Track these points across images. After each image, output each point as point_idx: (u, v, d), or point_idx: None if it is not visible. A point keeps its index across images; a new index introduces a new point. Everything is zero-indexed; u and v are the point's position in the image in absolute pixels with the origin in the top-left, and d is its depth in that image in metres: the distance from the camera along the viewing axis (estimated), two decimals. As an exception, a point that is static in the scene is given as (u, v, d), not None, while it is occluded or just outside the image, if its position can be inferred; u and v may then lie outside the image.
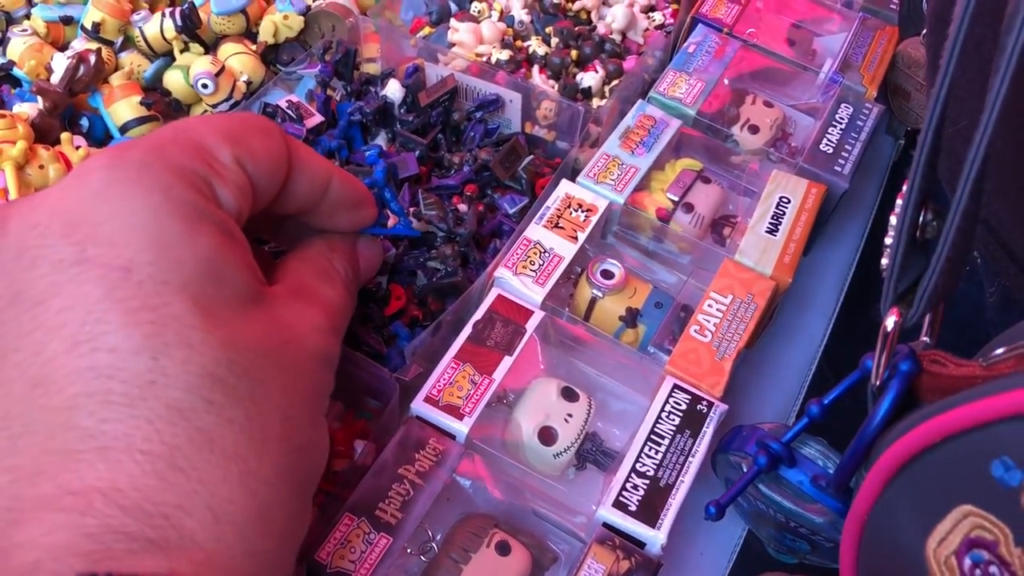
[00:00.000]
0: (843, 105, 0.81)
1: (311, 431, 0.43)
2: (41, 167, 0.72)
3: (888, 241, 0.44)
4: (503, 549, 0.57)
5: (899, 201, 0.42)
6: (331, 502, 0.58)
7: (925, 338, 0.45)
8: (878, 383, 0.44)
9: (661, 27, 0.90)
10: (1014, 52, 0.33)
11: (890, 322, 0.43)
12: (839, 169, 0.76)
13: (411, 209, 0.70)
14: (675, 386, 0.63)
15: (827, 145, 0.78)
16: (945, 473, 0.37)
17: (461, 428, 0.60)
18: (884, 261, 0.44)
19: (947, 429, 0.36)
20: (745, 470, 0.57)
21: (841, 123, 0.79)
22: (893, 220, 0.43)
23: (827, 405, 0.52)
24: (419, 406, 0.61)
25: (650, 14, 0.90)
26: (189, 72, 0.80)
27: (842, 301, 0.80)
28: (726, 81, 0.84)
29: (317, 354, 0.46)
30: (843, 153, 0.77)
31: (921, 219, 0.42)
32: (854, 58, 0.85)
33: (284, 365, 0.41)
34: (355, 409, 0.66)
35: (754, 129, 0.80)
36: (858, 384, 0.49)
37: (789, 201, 0.73)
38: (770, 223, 0.72)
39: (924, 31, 0.75)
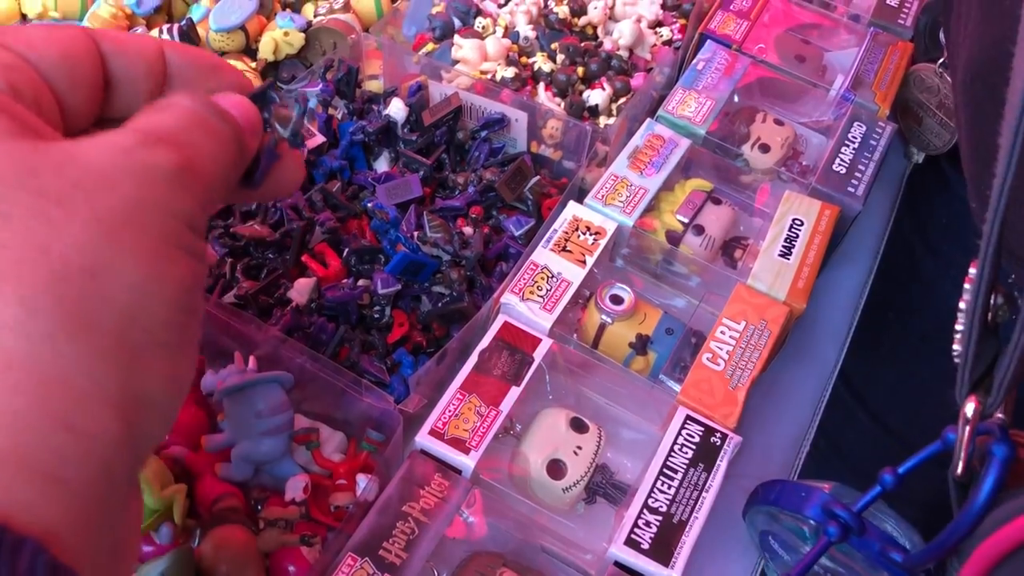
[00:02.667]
0: (856, 124, 0.79)
1: (107, 253, 0.35)
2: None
3: (959, 327, 0.42)
4: (512, 589, 0.55)
5: (967, 286, 0.40)
6: (335, 539, 0.56)
7: (1000, 415, 0.43)
8: (960, 471, 0.42)
9: (669, 43, 0.88)
10: None
11: (969, 409, 0.41)
12: (852, 190, 0.74)
13: (416, 232, 0.68)
14: (688, 417, 0.61)
15: (840, 165, 0.76)
16: None
17: (468, 463, 0.58)
18: (956, 347, 0.42)
19: None
20: (807, 532, 0.55)
21: (854, 142, 0.78)
22: (962, 306, 0.41)
23: (902, 475, 0.50)
24: (424, 439, 0.59)
25: (657, 30, 0.89)
26: (187, 90, 0.78)
27: (856, 322, 0.78)
28: (736, 98, 0.82)
29: (119, 168, 0.38)
30: (856, 173, 0.75)
31: (993, 303, 0.41)
32: (866, 75, 0.83)
33: (50, 186, 0.34)
34: (357, 440, 0.64)
35: (765, 148, 0.79)
36: (935, 455, 0.46)
37: (802, 223, 0.72)
38: (783, 246, 0.70)
39: (941, 59, 0.72)
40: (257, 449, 0.60)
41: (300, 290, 0.64)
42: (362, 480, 0.60)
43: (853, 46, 0.87)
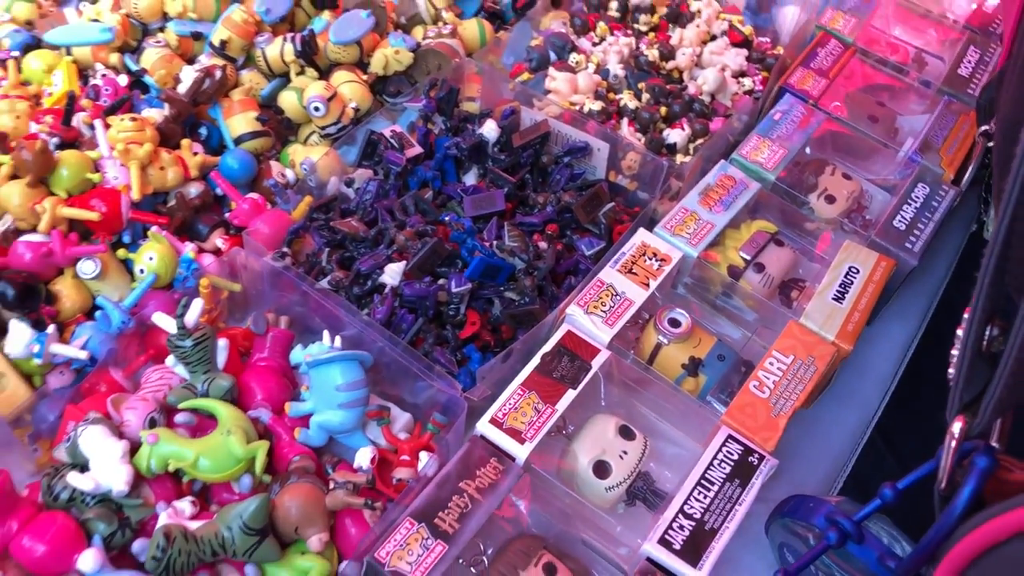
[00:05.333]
0: (920, 184, 0.83)
1: None
2: (161, 168, 0.79)
3: (955, 352, 0.46)
4: (550, 571, 0.60)
5: (966, 315, 0.44)
6: (394, 507, 0.62)
7: (995, 443, 0.46)
8: (944, 484, 0.46)
9: (750, 93, 0.93)
10: None
11: (956, 428, 0.44)
12: (910, 246, 0.78)
13: (495, 241, 0.74)
14: (729, 436, 0.66)
15: (900, 221, 0.80)
16: (1012, 567, 0.39)
17: (521, 452, 0.63)
18: (951, 371, 0.46)
19: (1013, 527, 0.38)
20: (813, 541, 0.59)
21: (916, 202, 0.81)
22: (960, 333, 0.45)
23: (901, 490, 0.53)
24: (485, 426, 0.64)
25: (740, 79, 0.94)
26: (303, 94, 0.86)
27: (901, 375, 0.82)
28: (808, 150, 0.87)
29: None
30: (915, 231, 0.79)
31: (988, 334, 0.44)
32: (935, 140, 0.87)
33: None
34: (423, 423, 0.70)
35: (831, 199, 0.83)
36: (932, 473, 0.50)
37: (858, 272, 0.76)
38: (837, 290, 0.74)
39: (984, 128, 0.75)
40: (334, 419, 0.67)
41: (392, 273, 0.71)
42: (424, 457, 0.66)
43: (924, 111, 0.91)
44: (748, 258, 0.77)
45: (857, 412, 0.79)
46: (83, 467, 0.61)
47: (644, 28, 0.98)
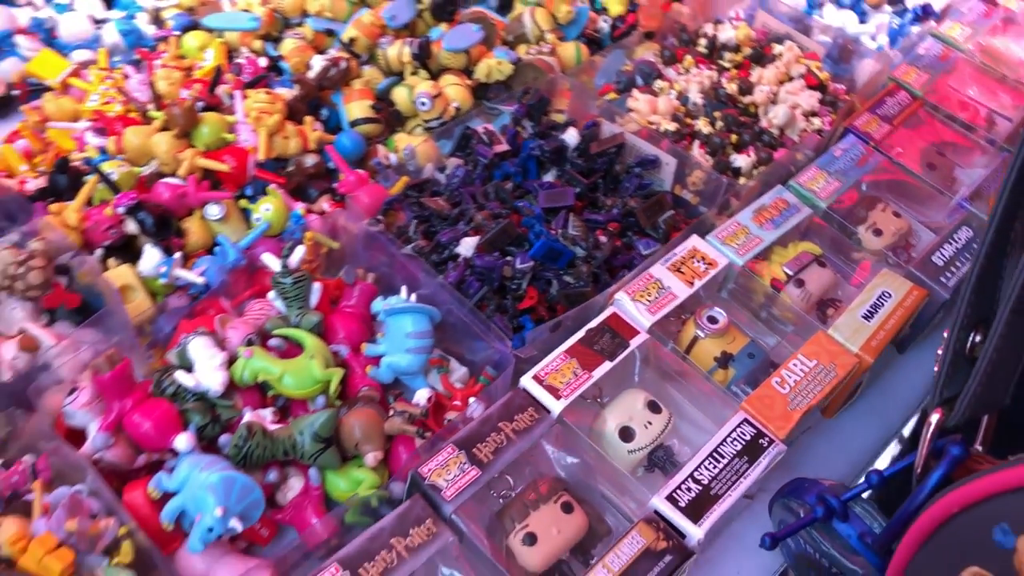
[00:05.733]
0: (964, 228, 0.89)
1: None
2: (285, 138, 0.92)
3: (939, 352, 0.52)
4: (567, 508, 0.68)
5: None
6: (439, 439, 0.71)
7: (979, 446, 0.51)
8: (920, 469, 0.52)
9: (819, 132, 1.01)
10: None
11: (934, 419, 0.51)
12: (944, 280, 0.84)
13: (560, 229, 0.84)
14: (745, 419, 0.73)
15: (939, 258, 0.86)
16: (961, 538, 0.45)
17: (556, 406, 0.72)
18: (935, 368, 0.52)
19: (962, 501, 0.45)
20: (803, 516, 0.66)
21: (957, 242, 0.87)
22: (945, 335, 0.51)
23: (886, 476, 0.60)
24: (527, 381, 0.73)
25: (811, 118, 1.01)
26: (414, 91, 0.98)
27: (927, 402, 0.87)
28: (864, 187, 0.93)
29: None
30: (952, 268, 0.85)
31: (971, 339, 0.50)
32: (987, 189, 0.92)
33: None
34: (476, 378, 0.79)
35: (878, 232, 0.90)
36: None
37: (890, 296, 0.82)
38: (868, 310, 0.81)
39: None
40: (401, 361, 0.77)
41: (466, 246, 0.81)
42: (473, 402, 0.75)
43: (986, 166, 0.96)
44: (791, 273, 0.84)
45: (878, 429, 0.84)
46: (188, 369, 0.73)
47: (728, 65, 1.07)
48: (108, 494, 0.65)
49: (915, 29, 1.16)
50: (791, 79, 1.05)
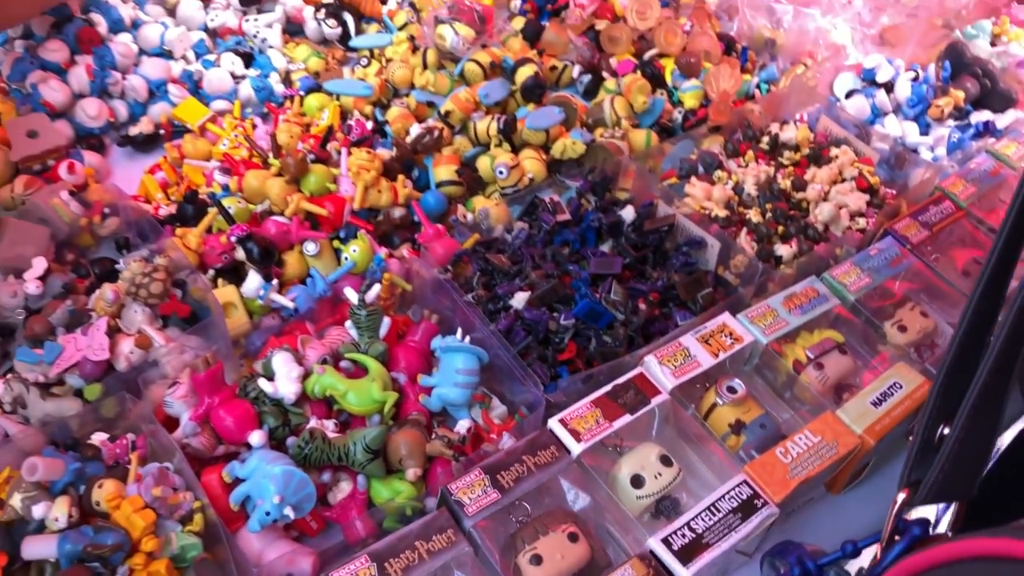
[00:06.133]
0: (985, 333, 0.94)
1: None
2: (379, 192, 1.06)
3: (910, 439, 0.57)
4: (573, 538, 0.77)
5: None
6: (470, 463, 0.82)
7: (948, 532, 0.55)
8: (884, 543, 0.58)
9: (862, 231, 1.08)
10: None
11: (900, 498, 0.56)
12: (957, 379, 0.90)
13: (604, 294, 0.94)
14: (745, 481, 0.81)
15: (955, 357, 0.92)
16: None
17: (576, 448, 0.81)
18: (906, 452, 0.57)
19: (913, 568, 0.49)
20: (782, 573, 0.73)
21: (976, 345, 0.93)
22: (915, 424, 0.57)
23: (859, 548, 0.66)
24: (554, 423, 0.83)
25: (857, 218, 1.09)
26: (495, 160, 1.11)
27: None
28: (896, 284, 1.00)
29: None
30: (966, 368, 0.91)
31: (940, 431, 0.55)
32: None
33: None
34: (513, 416, 0.90)
35: (903, 329, 0.96)
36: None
37: (901, 387, 0.88)
38: (877, 397, 0.87)
39: None
40: (449, 393, 0.88)
41: (519, 299, 0.92)
42: (505, 436, 0.86)
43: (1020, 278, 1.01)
44: (812, 356, 0.92)
45: (881, 509, 0.90)
46: (270, 378, 0.86)
47: (786, 162, 1.16)
48: (190, 473, 0.78)
49: (975, 144, 1.23)
50: (843, 180, 1.13)
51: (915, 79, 1.27)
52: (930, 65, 1.32)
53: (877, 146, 1.18)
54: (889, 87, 1.28)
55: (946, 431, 0.55)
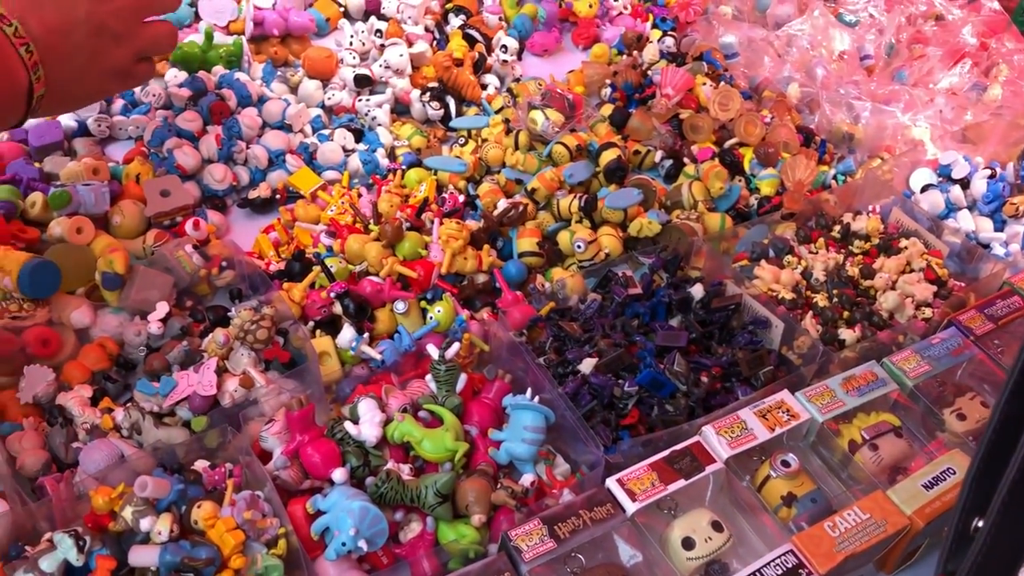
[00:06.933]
0: (1045, 426, 0.96)
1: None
2: (465, 259, 1.15)
3: (945, 530, 0.60)
4: (621, 590, 0.82)
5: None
6: (531, 513, 0.88)
7: None
8: None
9: (927, 320, 1.11)
10: None
11: None
12: (1012, 469, 0.92)
13: (668, 366, 1.00)
14: (791, 550, 0.84)
15: (1012, 448, 0.94)
16: None
17: (631, 507, 0.87)
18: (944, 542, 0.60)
19: None
20: None
21: (1034, 437, 0.95)
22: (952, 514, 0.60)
23: None
24: (611, 482, 0.89)
25: (922, 308, 1.12)
26: (574, 235, 1.19)
27: None
28: (957, 375, 1.03)
29: None
30: None
31: (975, 524, 0.57)
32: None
33: None
34: (575, 473, 0.96)
35: (962, 417, 0.99)
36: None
37: (954, 473, 0.91)
38: (929, 481, 0.90)
39: None
40: (516, 448, 0.95)
41: (587, 365, 0.99)
42: (566, 491, 0.91)
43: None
44: (867, 437, 0.95)
45: (932, 594, 0.92)
46: (355, 422, 0.94)
47: (856, 251, 1.20)
48: (277, 502, 0.87)
49: (1052, 243, 1.24)
50: (911, 271, 1.16)
51: (992, 176, 1.30)
52: (1009, 164, 1.35)
53: (948, 240, 1.21)
54: (965, 183, 1.31)
55: (979, 524, 0.57)
